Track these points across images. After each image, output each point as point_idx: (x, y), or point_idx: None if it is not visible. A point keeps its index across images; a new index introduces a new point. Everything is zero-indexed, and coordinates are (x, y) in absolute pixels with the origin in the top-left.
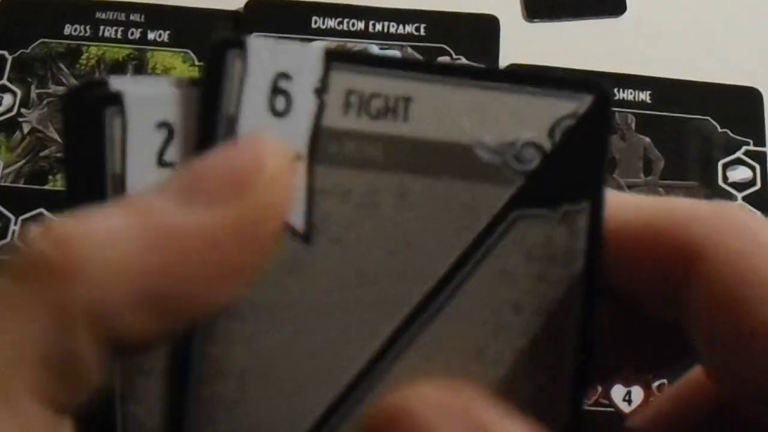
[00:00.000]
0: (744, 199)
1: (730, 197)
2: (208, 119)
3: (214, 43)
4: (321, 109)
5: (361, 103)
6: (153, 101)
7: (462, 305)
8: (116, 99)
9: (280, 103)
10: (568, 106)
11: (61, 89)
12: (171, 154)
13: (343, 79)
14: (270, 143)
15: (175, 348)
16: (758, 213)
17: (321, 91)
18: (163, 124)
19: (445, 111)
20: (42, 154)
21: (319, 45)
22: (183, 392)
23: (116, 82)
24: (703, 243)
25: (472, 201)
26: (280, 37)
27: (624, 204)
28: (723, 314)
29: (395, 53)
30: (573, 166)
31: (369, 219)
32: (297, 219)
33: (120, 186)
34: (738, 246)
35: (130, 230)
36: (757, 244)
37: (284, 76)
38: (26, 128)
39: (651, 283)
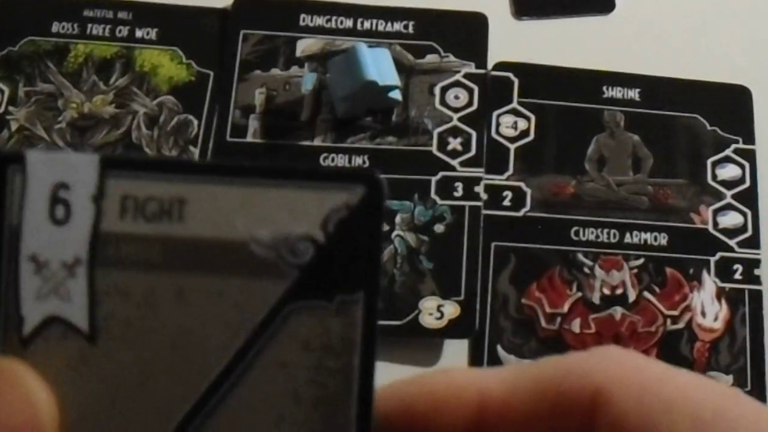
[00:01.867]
0: (733, 197)
1: (720, 195)
2: None
3: None
4: (98, 215)
5: (137, 206)
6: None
7: (243, 398)
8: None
9: (60, 211)
10: (340, 198)
11: (48, 87)
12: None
13: (118, 185)
14: None
15: None
16: (749, 212)
17: (98, 198)
18: (60, 185)
19: (218, 209)
20: None
21: (95, 154)
22: None
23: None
24: (606, 387)
25: (248, 296)
26: (56, 150)
27: (511, 377)
28: None
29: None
30: (347, 258)
31: (149, 318)
32: (81, 320)
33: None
34: (636, 381)
35: None
36: (651, 376)
37: (63, 186)
38: (14, 126)
39: None
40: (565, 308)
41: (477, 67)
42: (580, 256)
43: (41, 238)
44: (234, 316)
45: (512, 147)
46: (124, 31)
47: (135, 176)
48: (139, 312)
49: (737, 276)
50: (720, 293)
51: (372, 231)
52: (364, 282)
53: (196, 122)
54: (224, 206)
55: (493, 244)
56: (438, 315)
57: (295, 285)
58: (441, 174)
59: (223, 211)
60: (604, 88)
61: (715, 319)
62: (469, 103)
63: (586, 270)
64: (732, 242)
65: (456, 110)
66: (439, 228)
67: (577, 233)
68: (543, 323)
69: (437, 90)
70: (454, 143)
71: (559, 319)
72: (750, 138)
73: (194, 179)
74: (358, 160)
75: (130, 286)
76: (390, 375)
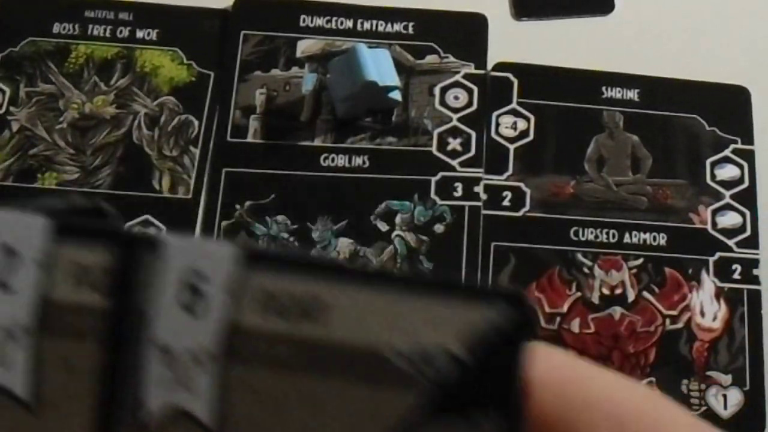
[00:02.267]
0: (732, 197)
1: (719, 195)
2: (120, 315)
3: (128, 241)
4: (233, 308)
5: (274, 303)
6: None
7: None
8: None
9: (192, 301)
10: (486, 315)
11: (49, 87)
12: (10, 277)
13: (257, 280)
14: None
15: None
16: (747, 212)
17: (234, 290)
18: (6, 248)
19: (358, 315)
20: (31, 152)
21: (233, 246)
22: None
23: None
24: (526, 383)
25: (380, 406)
26: (194, 236)
27: None
28: None
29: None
30: (488, 376)
31: (275, 418)
32: (206, 414)
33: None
34: (558, 378)
35: None
36: (574, 374)
37: (198, 274)
38: (15, 126)
39: None
40: (565, 308)
41: (477, 68)
42: (580, 256)
43: (171, 326)
44: (363, 425)
45: (512, 147)
46: (124, 31)
47: (275, 272)
48: (265, 411)
49: (736, 276)
50: (719, 293)
51: (516, 352)
52: (505, 403)
53: (196, 123)
54: (365, 312)
55: (492, 244)
56: None
57: (431, 399)
58: (441, 174)
59: (364, 317)
60: (604, 88)
61: (714, 318)
62: (469, 104)
63: (586, 270)
64: (731, 242)
65: (456, 110)
66: (439, 228)
67: (576, 233)
68: (542, 323)
69: (437, 90)
70: (454, 143)
71: (558, 319)
72: (749, 138)
73: (336, 280)
74: (358, 161)
75: (259, 383)
76: None
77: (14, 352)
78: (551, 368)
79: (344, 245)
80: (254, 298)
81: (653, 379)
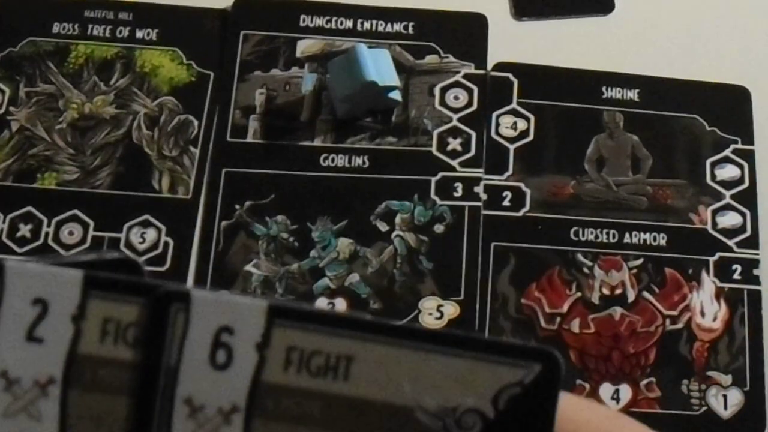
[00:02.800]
0: (732, 197)
1: (719, 195)
2: (149, 369)
3: (158, 295)
4: (261, 364)
5: (302, 359)
6: (31, 276)
7: None
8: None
9: (221, 356)
10: (515, 374)
11: (49, 88)
12: (42, 330)
13: (285, 335)
14: None
15: None
16: (748, 212)
17: (262, 346)
18: (39, 301)
19: (385, 372)
20: (30, 152)
21: (262, 301)
22: None
23: (6, 260)
24: None
25: None
26: (223, 292)
27: None
28: None
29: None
30: None
31: None
32: None
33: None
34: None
35: None
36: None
37: (226, 329)
38: (14, 126)
39: None
40: (565, 308)
41: (477, 68)
42: (580, 256)
43: (199, 381)
44: None
45: (512, 147)
46: (124, 31)
47: (302, 327)
48: None
49: (736, 276)
50: (719, 293)
51: (545, 411)
52: None
53: (196, 123)
54: (392, 369)
55: (492, 244)
56: (438, 315)
57: None
58: (441, 174)
59: (391, 374)
60: (604, 88)
61: (714, 319)
62: (469, 104)
63: (586, 270)
64: (731, 242)
65: (456, 111)
66: (438, 228)
67: (576, 233)
68: (542, 323)
69: (437, 90)
70: (454, 143)
71: (558, 319)
72: (749, 138)
73: (364, 337)
74: (357, 161)
75: None
76: None
77: (45, 405)
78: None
79: (344, 245)
80: (282, 354)
81: (653, 379)
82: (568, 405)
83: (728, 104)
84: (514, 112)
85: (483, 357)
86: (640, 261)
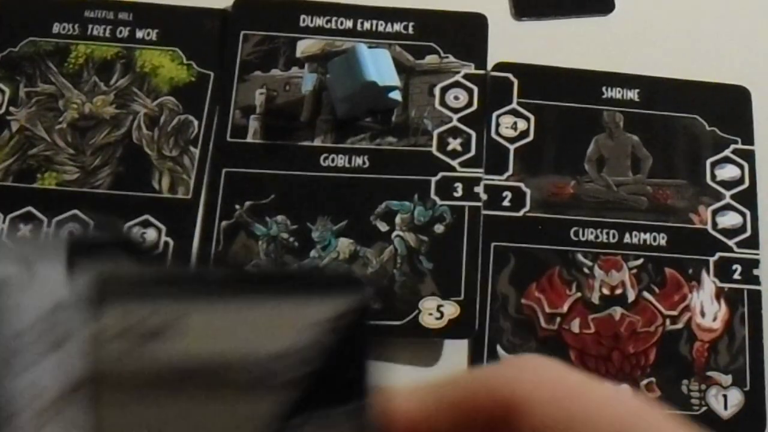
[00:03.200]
0: (732, 197)
1: (719, 195)
2: None
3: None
4: (95, 336)
5: (130, 329)
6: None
7: None
8: None
9: (52, 336)
10: (330, 308)
11: (49, 88)
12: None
13: (115, 307)
14: None
15: None
16: (748, 212)
17: (94, 319)
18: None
19: (207, 328)
20: (30, 152)
21: (91, 275)
22: None
23: None
24: (525, 397)
25: (248, 414)
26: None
27: (431, 398)
28: None
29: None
30: (341, 368)
31: None
32: None
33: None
34: (556, 390)
35: None
36: (571, 386)
37: (60, 307)
38: (14, 126)
39: None
40: (565, 308)
41: (477, 68)
42: (580, 257)
43: (33, 363)
44: None
45: (512, 147)
46: (124, 31)
47: (129, 297)
48: None
49: (736, 276)
50: (719, 293)
51: (364, 339)
52: (359, 392)
53: (196, 123)
54: (218, 324)
55: (492, 245)
56: (438, 315)
57: (291, 399)
58: (441, 174)
59: (218, 329)
60: (604, 88)
61: (714, 319)
62: (469, 104)
63: (586, 270)
64: (731, 242)
65: (456, 111)
66: (438, 228)
67: (576, 233)
68: (542, 323)
69: (437, 90)
70: (454, 144)
71: (558, 319)
72: (749, 138)
73: (191, 298)
74: (358, 161)
75: (127, 411)
76: (390, 375)
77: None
78: (547, 381)
79: (344, 245)
80: (111, 328)
81: (653, 379)
82: (604, 394)
83: (728, 104)
84: (514, 112)
85: (298, 297)
86: (640, 261)
